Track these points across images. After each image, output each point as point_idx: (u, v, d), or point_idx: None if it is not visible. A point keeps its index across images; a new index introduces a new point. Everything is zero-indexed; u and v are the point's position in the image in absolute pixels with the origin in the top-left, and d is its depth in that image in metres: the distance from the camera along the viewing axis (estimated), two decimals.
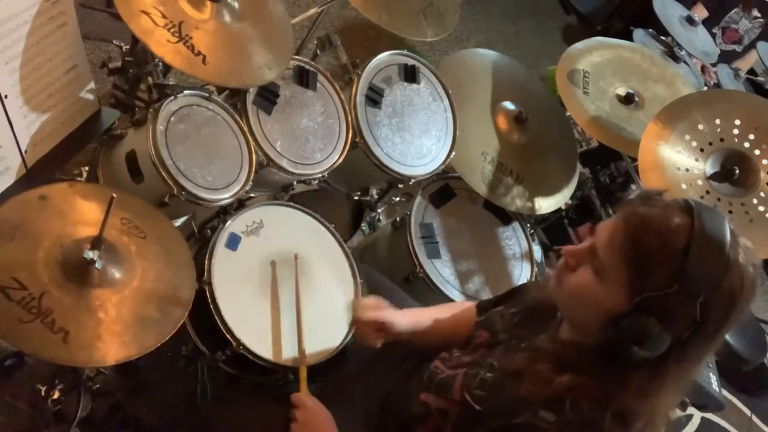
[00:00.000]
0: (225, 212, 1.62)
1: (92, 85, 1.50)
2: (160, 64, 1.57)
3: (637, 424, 0.93)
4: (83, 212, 1.20)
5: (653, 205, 0.94)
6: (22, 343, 1.03)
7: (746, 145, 1.85)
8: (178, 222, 1.68)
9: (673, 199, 0.96)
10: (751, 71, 3.58)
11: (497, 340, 1.15)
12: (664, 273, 0.89)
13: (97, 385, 1.50)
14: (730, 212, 1.79)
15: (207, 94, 1.58)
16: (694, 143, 1.85)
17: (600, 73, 2.29)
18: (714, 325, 0.91)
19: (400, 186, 1.97)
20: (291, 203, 1.69)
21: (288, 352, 1.44)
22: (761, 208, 1.80)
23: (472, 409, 1.03)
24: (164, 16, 1.35)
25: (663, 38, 3.05)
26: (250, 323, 1.44)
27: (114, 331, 1.09)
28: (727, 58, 3.74)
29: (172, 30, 1.35)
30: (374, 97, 1.85)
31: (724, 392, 2.51)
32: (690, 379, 0.97)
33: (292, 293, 1.52)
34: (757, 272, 0.93)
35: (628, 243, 0.92)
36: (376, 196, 2.06)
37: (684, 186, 1.79)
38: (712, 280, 0.88)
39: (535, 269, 2.05)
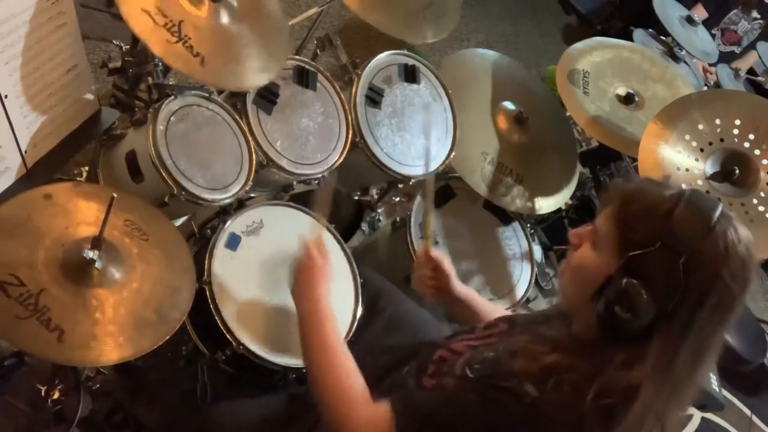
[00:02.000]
0: (225, 212, 1.62)
1: (92, 85, 1.50)
2: (160, 64, 1.57)
3: (614, 400, 0.92)
4: (86, 212, 1.21)
5: (651, 182, 1.00)
6: (16, 339, 1.03)
7: (746, 145, 1.85)
8: (178, 222, 1.68)
9: (673, 184, 1.00)
10: (751, 71, 3.58)
11: (513, 333, 1.16)
12: (648, 231, 0.92)
13: (97, 385, 1.50)
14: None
15: (207, 94, 1.58)
16: (694, 143, 1.85)
17: (600, 73, 2.29)
18: (697, 295, 0.91)
19: (400, 186, 1.97)
20: (291, 203, 1.69)
21: (288, 352, 1.44)
22: (761, 208, 1.80)
23: (466, 377, 1.04)
24: (164, 15, 1.35)
25: (663, 38, 3.04)
26: (250, 323, 1.44)
27: (110, 331, 1.09)
28: (725, 59, 3.74)
29: (172, 30, 1.35)
30: (374, 97, 1.85)
31: (724, 392, 2.51)
32: (677, 372, 0.95)
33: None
34: (751, 257, 0.93)
35: (619, 206, 0.97)
36: (376, 196, 2.06)
37: (684, 186, 1.79)
38: (694, 239, 0.90)
39: (535, 269, 2.05)
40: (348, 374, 1.14)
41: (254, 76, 1.52)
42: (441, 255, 1.41)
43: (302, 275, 1.26)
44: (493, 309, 1.43)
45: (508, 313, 1.37)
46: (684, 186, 0.99)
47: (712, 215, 0.92)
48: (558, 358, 0.97)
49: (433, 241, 1.40)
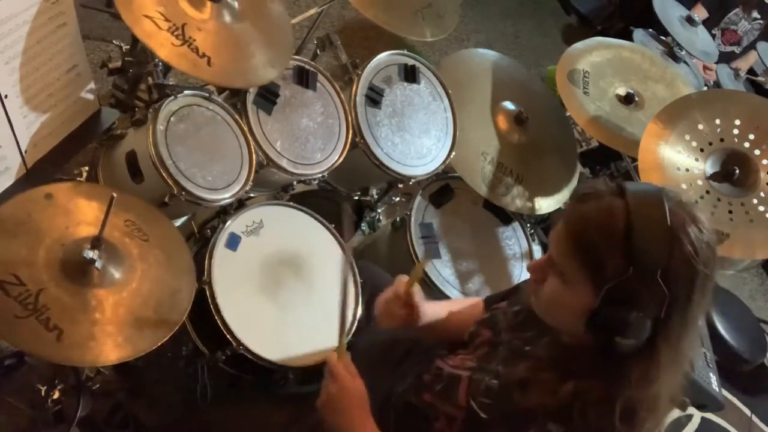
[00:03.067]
0: (225, 212, 1.63)
1: (92, 85, 1.50)
2: (160, 64, 1.57)
3: (642, 414, 0.93)
4: (87, 212, 1.21)
5: (587, 200, 0.96)
6: (15, 338, 1.03)
7: (746, 145, 1.84)
8: (178, 222, 1.68)
9: (605, 183, 0.97)
10: (751, 71, 3.58)
11: (500, 340, 1.15)
12: (615, 261, 0.91)
13: (97, 385, 1.50)
14: (730, 212, 1.79)
15: (207, 94, 1.58)
16: (694, 143, 1.85)
17: (600, 73, 2.29)
18: (684, 295, 0.92)
19: (400, 186, 1.97)
20: (291, 203, 1.69)
21: (288, 352, 1.44)
22: (761, 208, 1.80)
23: (478, 417, 1.03)
24: (167, 19, 1.35)
25: (663, 38, 3.04)
26: (250, 323, 1.44)
27: (108, 332, 1.09)
28: (725, 59, 3.74)
29: (175, 33, 1.35)
30: (374, 97, 1.85)
31: (724, 392, 2.50)
32: (685, 356, 0.97)
33: (291, 293, 1.53)
34: (712, 237, 0.93)
35: (574, 243, 0.95)
36: (376, 196, 2.06)
37: (684, 186, 1.79)
38: (662, 252, 0.90)
39: None
40: None
41: (262, 71, 1.52)
42: (419, 299, 1.29)
43: (332, 399, 1.08)
44: (456, 305, 1.38)
45: (481, 306, 1.32)
46: (617, 183, 0.96)
47: (665, 215, 0.90)
48: (575, 386, 0.96)
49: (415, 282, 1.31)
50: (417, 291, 1.29)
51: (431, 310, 1.32)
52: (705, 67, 3.48)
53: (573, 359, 1.00)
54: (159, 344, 1.13)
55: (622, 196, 0.93)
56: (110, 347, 1.08)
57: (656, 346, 0.93)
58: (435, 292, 1.84)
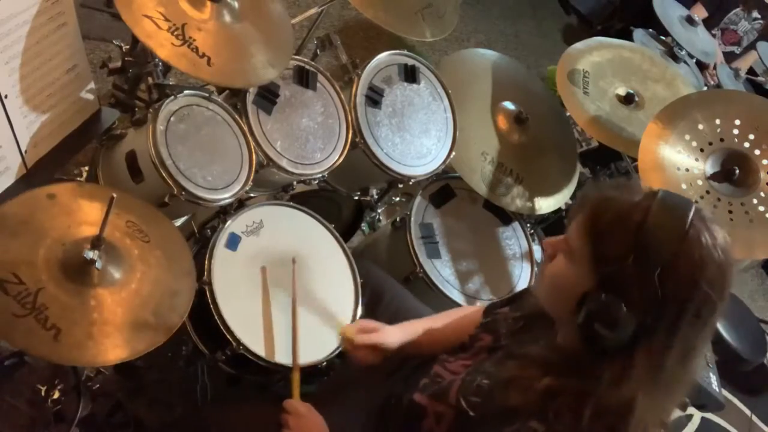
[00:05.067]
0: (225, 212, 1.62)
1: (92, 85, 1.50)
2: (160, 64, 1.57)
3: (609, 419, 0.91)
4: (89, 212, 1.21)
5: (619, 189, 0.97)
6: (12, 336, 1.03)
7: (746, 145, 1.84)
8: (178, 222, 1.68)
9: (642, 184, 0.98)
10: (751, 71, 3.58)
11: (499, 345, 1.15)
12: (620, 245, 0.90)
13: (97, 385, 1.50)
14: (730, 212, 1.79)
15: (207, 94, 1.58)
16: (694, 143, 1.85)
17: (600, 73, 2.29)
18: (677, 306, 0.89)
19: (400, 186, 1.97)
20: (291, 203, 1.69)
21: (288, 352, 1.44)
22: (761, 208, 1.79)
23: (466, 414, 1.03)
24: (167, 19, 1.35)
25: (663, 38, 3.05)
26: (250, 323, 1.44)
27: (106, 332, 1.09)
28: (725, 59, 3.74)
29: (175, 33, 1.35)
30: (374, 97, 1.85)
31: (724, 392, 2.50)
32: (672, 377, 0.94)
33: (291, 293, 1.52)
34: (728, 261, 0.91)
35: (589, 221, 0.95)
36: (376, 196, 2.06)
37: (684, 186, 1.79)
38: (666, 250, 0.88)
39: (535, 269, 2.05)
40: None
41: (262, 71, 1.52)
42: (365, 329, 1.35)
43: None
44: (445, 318, 1.40)
45: (480, 315, 1.32)
46: (653, 188, 0.96)
47: (685, 221, 0.89)
48: (550, 382, 0.95)
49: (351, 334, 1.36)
50: (367, 328, 1.36)
51: (401, 334, 1.34)
52: (706, 67, 3.48)
53: (558, 358, 0.99)
54: (157, 346, 1.13)
55: (652, 197, 0.93)
56: (108, 348, 1.08)
57: (634, 350, 0.91)
58: (435, 293, 1.84)
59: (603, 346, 0.93)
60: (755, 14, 3.81)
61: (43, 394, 1.42)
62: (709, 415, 2.74)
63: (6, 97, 1.26)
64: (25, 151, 1.36)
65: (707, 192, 1.81)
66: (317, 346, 1.47)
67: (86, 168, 1.71)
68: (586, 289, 0.94)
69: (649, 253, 0.89)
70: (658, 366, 0.92)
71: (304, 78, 1.75)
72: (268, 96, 1.66)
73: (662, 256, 0.88)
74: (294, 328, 1.44)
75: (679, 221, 0.90)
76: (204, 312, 1.41)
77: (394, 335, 1.34)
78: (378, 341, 1.32)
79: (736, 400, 2.91)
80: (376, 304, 1.59)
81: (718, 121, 1.86)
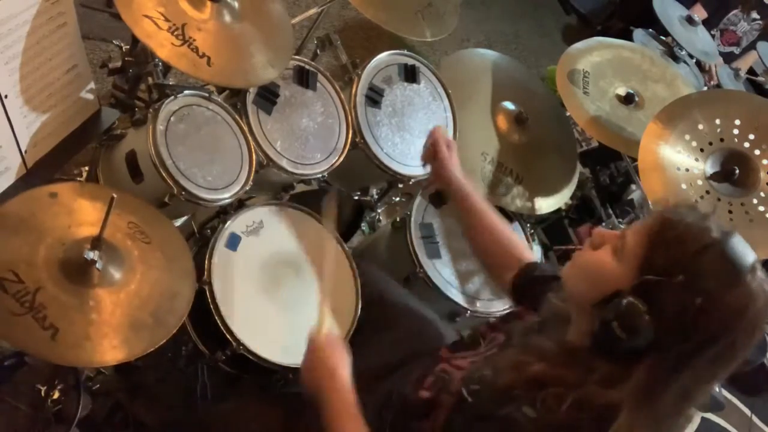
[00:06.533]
0: (225, 212, 1.62)
1: (92, 85, 1.50)
2: (160, 64, 1.57)
3: (584, 415, 0.91)
4: (90, 212, 1.21)
5: (697, 213, 0.96)
6: (9, 335, 1.03)
7: (746, 145, 1.84)
8: (178, 222, 1.68)
9: (721, 225, 0.96)
10: (751, 71, 3.58)
11: (511, 344, 1.15)
12: (675, 261, 0.90)
13: (97, 385, 1.50)
14: (730, 212, 1.79)
15: (207, 94, 1.58)
16: (694, 143, 1.85)
17: (600, 73, 2.29)
18: (701, 342, 0.89)
19: (400, 186, 1.97)
20: (291, 203, 1.69)
21: (288, 352, 1.44)
22: (761, 208, 1.80)
23: (465, 401, 1.04)
24: (167, 19, 1.35)
25: (663, 38, 3.04)
26: (250, 323, 1.44)
27: (104, 332, 1.09)
28: (725, 59, 3.74)
29: (175, 33, 1.35)
30: (374, 97, 1.85)
31: (724, 392, 2.50)
32: (666, 404, 0.92)
33: (291, 293, 1.52)
34: (764, 322, 0.91)
35: (658, 226, 0.94)
36: (376, 196, 2.06)
37: (684, 186, 1.79)
38: (718, 286, 0.88)
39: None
40: None
41: (262, 71, 1.52)
42: (450, 143, 1.45)
43: (316, 364, 1.14)
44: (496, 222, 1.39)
45: (521, 263, 1.32)
46: (728, 229, 0.95)
47: (746, 268, 0.90)
48: (543, 368, 0.96)
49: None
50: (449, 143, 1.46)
51: (463, 180, 1.41)
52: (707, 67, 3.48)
53: (559, 351, 1.00)
54: (155, 347, 1.13)
55: (726, 234, 0.92)
56: (105, 348, 1.08)
57: (638, 363, 0.91)
58: (435, 293, 1.84)
59: (611, 346, 0.93)
60: (754, 15, 3.81)
61: (43, 394, 1.42)
62: (709, 415, 2.74)
63: (6, 97, 1.26)
64: (25, 151, 1.36)
65: (707, 192, 1.81)
66: None
67: (86, 168, 1.71)
68: (620, 287, 0.93)
69: (700, 280, 0.88)
70: (656, 391, 0.91)
71: (304, 78, 1.75)
72: (268, 96, 1.66)
73: (712, 289, 0.88)
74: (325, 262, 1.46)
75: (741, 264, 0.90)
76: (204, 312, 1.41)
77: (457, 168, 1.42)
78: (448, 153, 1.43)
79: (736, 400, 2.90)
80: (375, 304, 1.59)
81: (718, 121, 1.86)
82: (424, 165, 1.51)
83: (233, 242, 1.51)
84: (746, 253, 0.92)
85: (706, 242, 0.90)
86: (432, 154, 1.44)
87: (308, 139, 1.72)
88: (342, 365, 1.13)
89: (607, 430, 0.90)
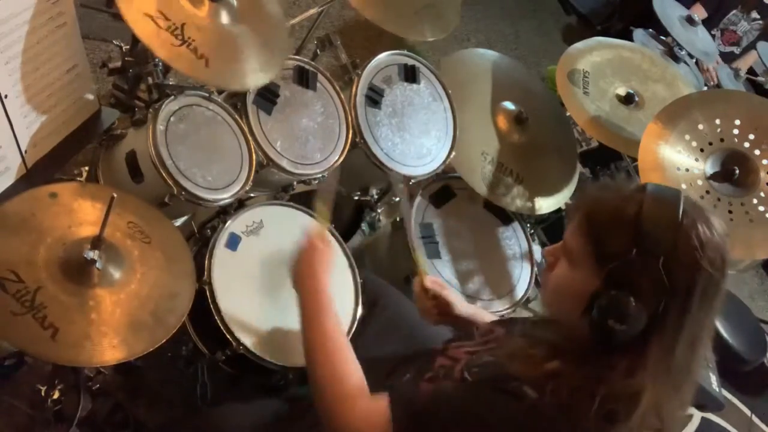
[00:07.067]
0: (225, 212, 1.62)
1: (92, 85, 1.50)
2: (160, 64, 1.57)
3: (616, 407, 0.93)
4: (90, 212, 1.21)
5: (608, 188, 1.01)
6: (9, 335, 1.03)
7: (746, 145, 1.85)
8: (178, 222, 1.68)
9: (629, 181, 1.03)
10: (751, 71, 3.58)
11: (511, 337, 1.15)
12: (620, 240, 0.93)
13: (97, 385, 1.50)
14: (730, 212, 1.79)
15: (207, 94, 1.58)
16: (694, 143, 1.85)
17: (600, 73, 2.29)
18: (684, 292, 0.92)
19: (400, 186, 1.97)
20: (291, 203, 1.69)
21: (288, 352, 1.44)
22: (761, 208, 1.80)
23: (465, 381, 1.05)
24: (166, 18, 1.35)
25: (663, 38, 3.05)
26: (250, 323, 1.44)
27: (104, 332, 1.09)
28: (725, 59, 3.74)
29: (175, 33, 1.35)
30: (374, 97, 1.85)
31: (724, 392, 2.50)
32: (681, 366, 0.96)
33: (292, 293, 1.52)
34: (724, 240, 0.94)
35: (584, 221, 0.98)
36: (376, 196, 2.06)
37: (684, 186, 1.79)
38: (666, 238, 0.92)
39: (535, 269, 2.05)
40: (346, 363, 1.13)
41: (255, 75, 1.51)
42: (438, 283, 1.39)
43: (303, 262, 1.25)
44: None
45: (505, 316, 1.36)
46: (639, 181, 1.00)
47: (678, 209, 0.93)
48: (559, 366, 0.97)
49: (425, 272, 1.41)
50: (441, 284, 1.39)
51: (469, 309, 1.39)
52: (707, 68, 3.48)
53: (568, 345, 1.00)
54: (154, 347, 1.13)
55: (642, 191, 0.96)
56: (105, 348, 1.08)
57: (648, 342, 0.93)
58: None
59: (617, 340, 0.94)
60: (754, 15, 3.81)
61: (43, 394, 1.42)
62: (709, 415, 2.74)
63: (6, 97, 1.26)
64: (25, 151, 1.36)
65: (707, 192, 1.81)
66: None
67: (86, 168, 1.71)
68: (593, 289, 0.96)
69: (650, 243, 0.92)
70: (668, 356, 0.94)
71: (304, 78, 1.75)
72: (268, 96, 1.66)
73: (663, 244, 0.91)
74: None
75: (672, 210, 0.93)
76: (204, 312, 1.41)
77: (461, 302, 1.38)
78: (448, 297, 1.37)
79: (736, 400, 2.90)
80: (372, 309, 1.59)
81: (718, 121, 1.86)
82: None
83: (233, 242, 1.51)
84: (668, 195, 0.96)
85: (632, 207, 0.94)
86: (430, 304, 1.39)
87: (308, 139, 1.72)
88: (324, 269, 1.23)
89: (634, 413, 0.92)
